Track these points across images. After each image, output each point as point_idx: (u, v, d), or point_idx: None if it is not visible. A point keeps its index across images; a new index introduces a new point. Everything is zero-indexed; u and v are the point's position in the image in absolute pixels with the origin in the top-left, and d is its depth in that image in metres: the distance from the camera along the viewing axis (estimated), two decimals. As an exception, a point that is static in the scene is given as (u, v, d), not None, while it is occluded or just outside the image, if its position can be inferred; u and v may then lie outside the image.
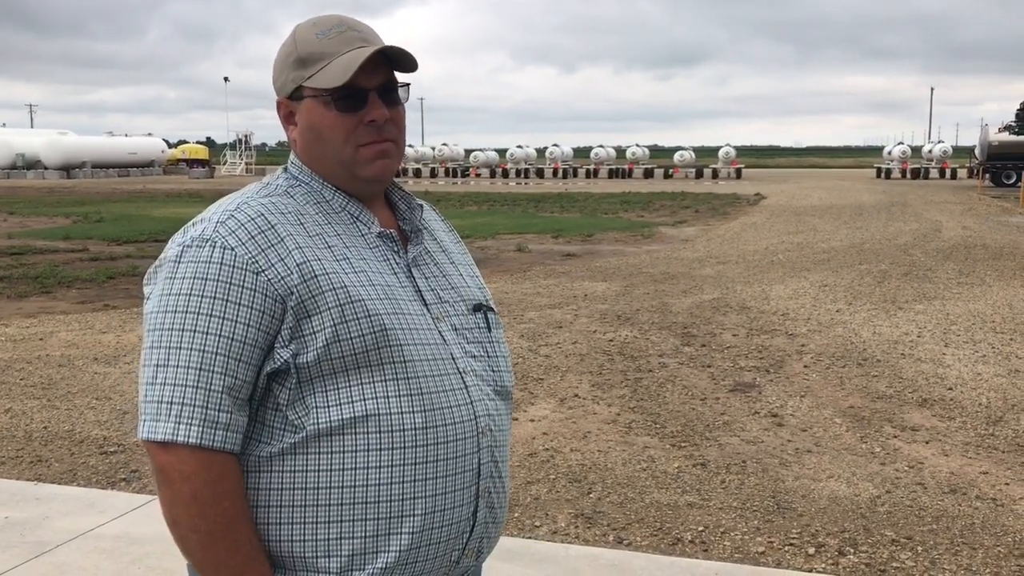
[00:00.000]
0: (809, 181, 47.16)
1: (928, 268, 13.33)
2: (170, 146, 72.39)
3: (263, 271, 1.36)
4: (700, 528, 4.27)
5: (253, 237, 1.37)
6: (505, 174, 55.52)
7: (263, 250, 1.37)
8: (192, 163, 64.51)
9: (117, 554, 3.75)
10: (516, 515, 4.42)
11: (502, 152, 60.28)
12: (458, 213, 25.28)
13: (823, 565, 3.90)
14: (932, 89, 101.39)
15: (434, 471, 1.41)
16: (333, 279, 1.38)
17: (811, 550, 4.04)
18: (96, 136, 62.62)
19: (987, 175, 41.12)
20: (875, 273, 12.85)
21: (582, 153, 68.75)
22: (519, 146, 57.92)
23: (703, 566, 3.79)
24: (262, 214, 1.40)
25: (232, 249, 1.36)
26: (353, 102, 1.44)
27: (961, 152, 61.51)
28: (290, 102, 1.50)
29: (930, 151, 52.45)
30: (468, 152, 60.74)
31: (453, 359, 1.47)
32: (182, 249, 1.38)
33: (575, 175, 55.75)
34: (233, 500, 1.35)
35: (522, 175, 55.00)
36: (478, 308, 1.58)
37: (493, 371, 1.54)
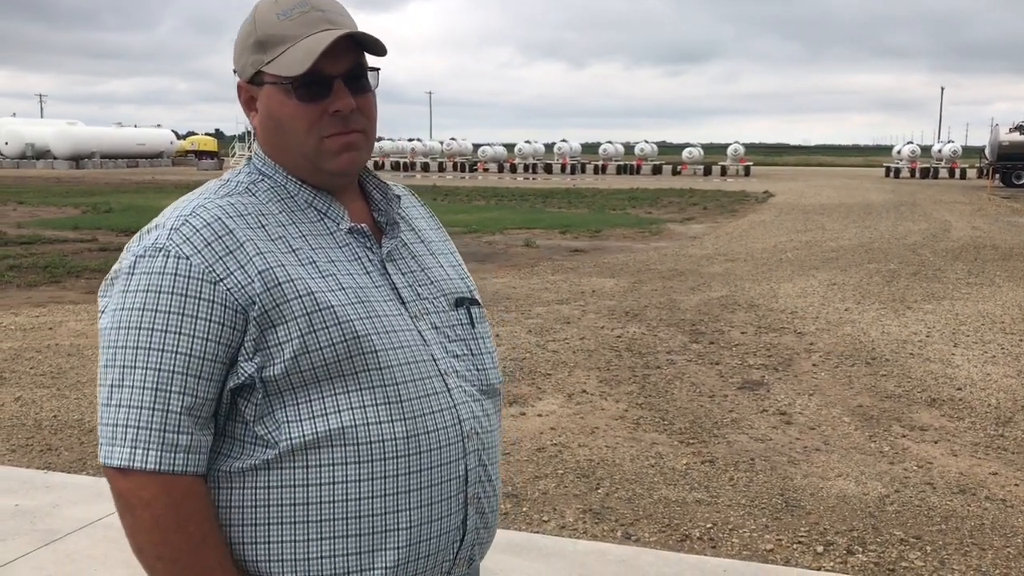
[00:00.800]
0: (818, 179, 47.04)
1: (937, 268, 13.29)
2: (179, 137, 72.57)
3: (221, 280, 1.26)
4: (708, 525, 4.27)
5: (209, 244, 1.27)
6: (513, 169, 55.51)
7: (220, 257, 1.27)
8: (201, 155, 64.67)
9: (126, 543, 3.76)
10: (524, 509, 4.43)
11: (510, 147, 60.25)
12: (466, 207, 25.28)
13: (832, 563, 3.90)
14: (942, 88, 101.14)
15: (418, 482, 1.33)
16: (299, 286, 1.29)
17: (820, 548, 4.03)
18: (105, 127, 62.80)
19: (997, 175, 40.94)
20: (884, 272, 12.81)
21: (590, 149, 68.67)
22: (527, 141, 57.91)
23: (711, 563, 3.79)
24: (219, 218, 1.30)
25: (187, 258, 1.26)
26: (316, 90, 1.33)
27: (971, 152, 61.28)
28: (251, 87, 1.39)
29: (940, 151, 52.23)
30: (476, 147, 60.80)
31: (434, 360, 1.38)
32: (135, 260, 1.29)
33: (583, 171, 55.68)
34: (199, 524, 1.27)
35: (530, 170, 54.97)
36: (460, 302, 1.48)
37: (477, 369, 1.45)
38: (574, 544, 3.95)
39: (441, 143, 60.63)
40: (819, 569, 3.84)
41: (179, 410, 1.25)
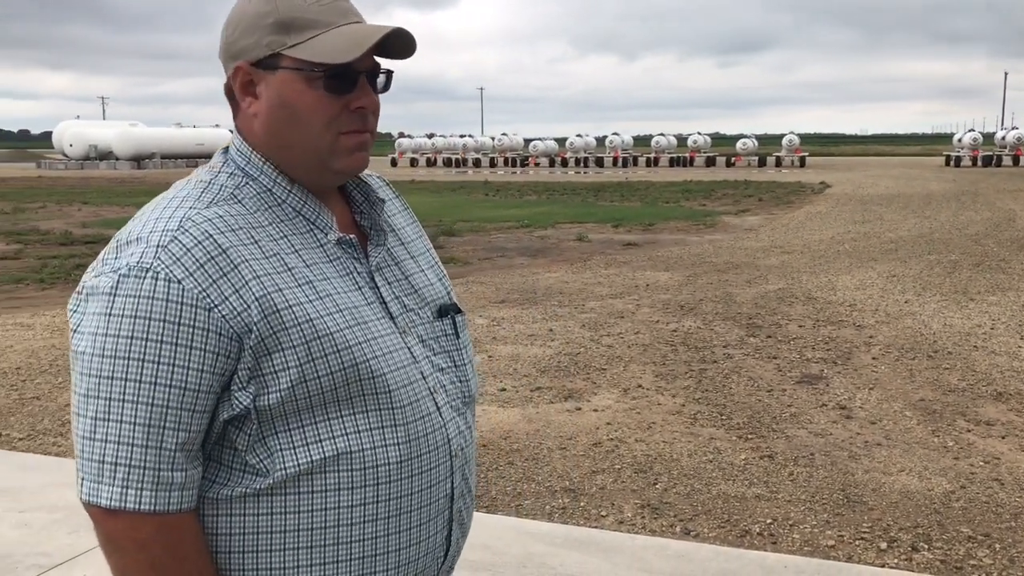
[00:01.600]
0: (875, 169, 46.12)
1: (1001, 259, 12.95)
2: (235, 137, 73.58)
3: (216, 306, 1.18)
4: (768, 520, 4.23)
5: (202, 266, 1.19)
6: (564, 163, 55.43)
7: (214, 281, 1.19)
8: (256, 153, 65.19)
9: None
10: (582, 504, 4.43)
11: (561, 141, 60.14)
12: (517, 203, 25.32)
13: (896, 560, 3.84)
14: (1006, 73, 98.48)
15: (409, 504, 1.31)
16: (297, 312, 1.22)
17: (883, 545, 3.97)
18: (165, 127, 64.11)
19: (1064, 162, 39.70)
20: (945, 263, 12.53)
21: (642, 141, 68.26)
22: (579, 135, 57.73)
23: (771, 558, 3.75)
24: (210, 235, 1.21)
25: (179, 282, 1.17)
26: (343, 83, 1.26)
27: (1036, 139, 59.38)
28: (254, 69, 1.28)
29: (1003, 138, 50.81)
30: (527, 141, 60.80)
31: (423, 378, 1.35)
32: (118, 279, 1.19)
33: (635, 164, 55.37)
34: (195, 560, 1.22)
35: (581, 164, 54.82)
36: (444, 312, 1.44)
37: (461, 381, 1.43)
38: (632, 539, 3.95)
39: (492, 139, 60.78)
40: (883, 566, 3.78)
41: (174, 447, 1.18)
